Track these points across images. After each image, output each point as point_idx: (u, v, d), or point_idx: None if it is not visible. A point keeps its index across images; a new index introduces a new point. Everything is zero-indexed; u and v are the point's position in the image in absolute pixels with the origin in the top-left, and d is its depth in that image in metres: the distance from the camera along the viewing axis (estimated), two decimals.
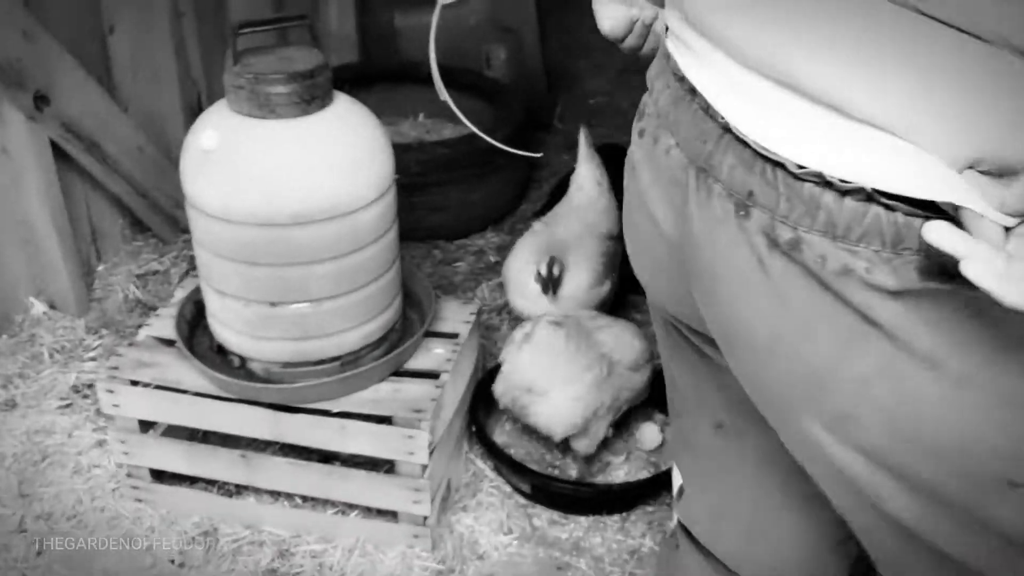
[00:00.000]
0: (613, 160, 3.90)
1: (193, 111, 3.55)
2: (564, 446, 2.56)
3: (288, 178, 2.08)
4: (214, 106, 2.22)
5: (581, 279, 2.84)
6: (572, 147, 3.98)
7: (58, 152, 2.95)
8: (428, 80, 4.33)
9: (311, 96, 2.12)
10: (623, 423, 2.65)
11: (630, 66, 4.94)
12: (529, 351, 2.49)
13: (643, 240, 1.29)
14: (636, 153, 1.30)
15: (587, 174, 3.07)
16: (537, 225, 3.05)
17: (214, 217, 2.13)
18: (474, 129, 3.00)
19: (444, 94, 2.79)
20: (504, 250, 3.54)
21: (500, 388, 2.55)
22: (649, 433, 2.66)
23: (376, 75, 4.13)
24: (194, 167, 2.16)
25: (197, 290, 2.50)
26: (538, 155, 3.24)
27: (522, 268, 2.86)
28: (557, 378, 2.45)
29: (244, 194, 2.08)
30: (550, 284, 2.74)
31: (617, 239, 2.97)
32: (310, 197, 2.10)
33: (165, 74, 3.41)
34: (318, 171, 2.11)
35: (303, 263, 2.17)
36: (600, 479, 2.56)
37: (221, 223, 2.13)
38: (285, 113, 2.10)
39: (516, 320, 3.08)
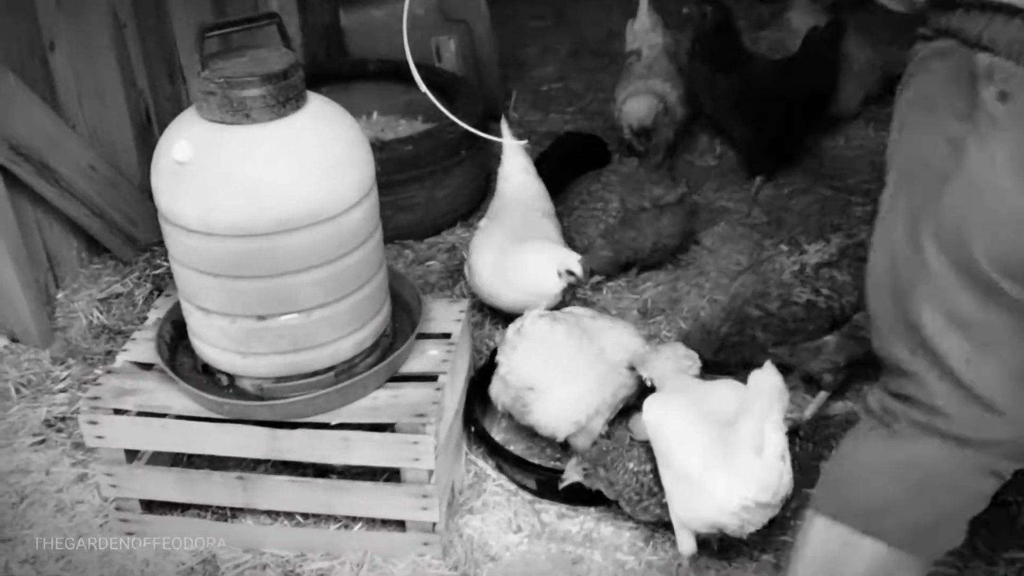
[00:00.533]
0: (577, 146, 3.91)
1: (142, 126, 3.42)
2: (563, 442, 2.51)
3: (270, 184, 1.99)
4: (183, 115, 2.12)
5: (542, 262, 2.84)
6: (527, 136, 3.95)
7: (6, 176, 2.80)
8: (378, 77, 4.28)
9: (286, 97, 2.03)
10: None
11: (580, 48, 4.94)
12: (524, 347, 2.44)
13: (1009, 203, 1.47)
14: (986, 122, 1.46)
15: (513, 164, 3.13)
16: (482, 223, 3.07)
17: (193, 231, 2.03)
18: (466, 126, 2.94)
19: (423, 87, 2.74)
20: None
21: (497, 389, 2.49)
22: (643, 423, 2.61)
23: (324, 76, 4.01)
24: (168, 181, 2.06)
25: (173, 309, 2.40)
26: (524, 141, 3.21)
27: (491, 264, 2.88)
28: (557, 375, 2.40)
29: (225, 205, 1.99)
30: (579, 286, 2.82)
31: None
32: (294, 202, 2.01)
33: (110, 88, 3.27)
34: (301, 175, 2.02)
35: (290, 272, 2.09)
36: None
37: (201, 237, 2.03)
38: (260, 117, 2.01)
39: (498, 314, 3.03)
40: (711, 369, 2.53)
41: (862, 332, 2.64)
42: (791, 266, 2.60)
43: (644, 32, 3.89)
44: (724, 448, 2.04)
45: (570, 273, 2.73)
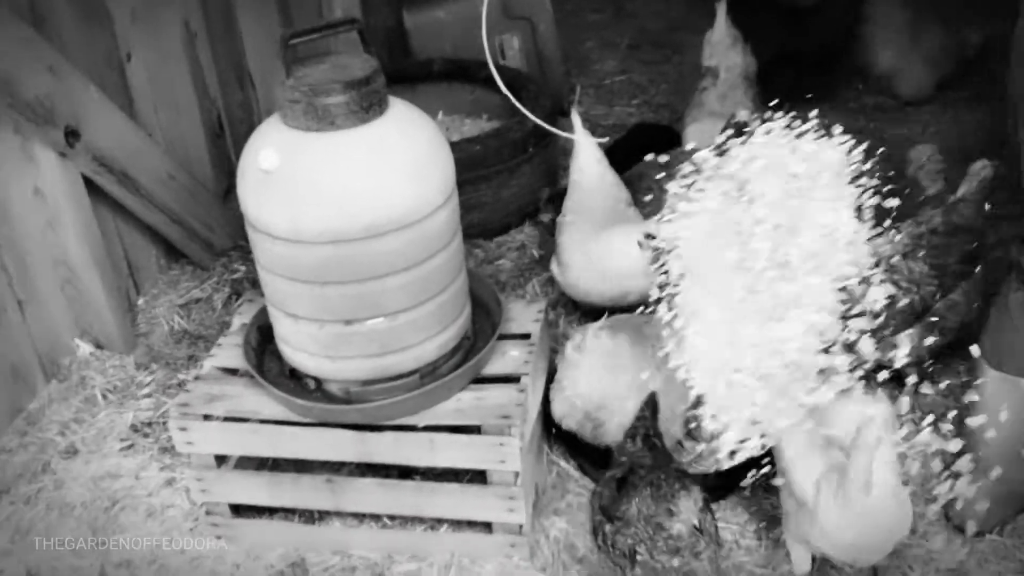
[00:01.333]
0: (649, 138, 3.85)
1: (215, 133, 3.47)
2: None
3: (357, 191, 2.00)
4: (267, 123, 2.14)
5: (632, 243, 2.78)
6: (594, 130, 3.92)
7: (88, 187, 2.86)
8: (443, 78, 4.28)
9: (369, 104, 2.04)
10: None
11: (640, 41, 4.90)
12: (587, 363, 2.41)
13: None
14: None
15: (587, 156, 3.02)
16: (567, 218, 2.96)
17: (282, 239, 2.05)
18: (543, 123, 2.96)
19: (503, 86, 2.74)
20: (546, 243, 3.47)
21: (561, 410, 2.45)
22: None
23: (389, 77, 4.02)
24: (255, 190, 2.07)
25: (259, 315, 2.43)
26: (605, 139, 3.18)
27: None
28: (625, 387, 2.35)
29: (313, 212, 2.00)
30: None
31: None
32: (381, 208, 2.02)
33: (184, 97, 3.32)
34: (387, 180, 2.03)
35: (377, 277, 2.10)
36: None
37: (290, 244, 2.05)
38: (344, 123, 2.02)
39: (572, 313, 3.02)
40: None
41: (944, 322, 2.59)
42: None
43: (723, 49, 3.63)
44: (841, 478, 1.95)
45: (649, 237, 2.62)
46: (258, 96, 3.70)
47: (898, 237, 2.56)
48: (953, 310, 2.60)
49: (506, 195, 3.55)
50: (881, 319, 2.44)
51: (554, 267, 2.96)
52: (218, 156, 3.51)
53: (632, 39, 4.92)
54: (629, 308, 2.66)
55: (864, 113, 4.09)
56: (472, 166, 3.41)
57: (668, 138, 3.84)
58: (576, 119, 3.06)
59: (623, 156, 3.60)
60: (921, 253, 2.54)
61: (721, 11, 3.61)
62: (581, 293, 2.90)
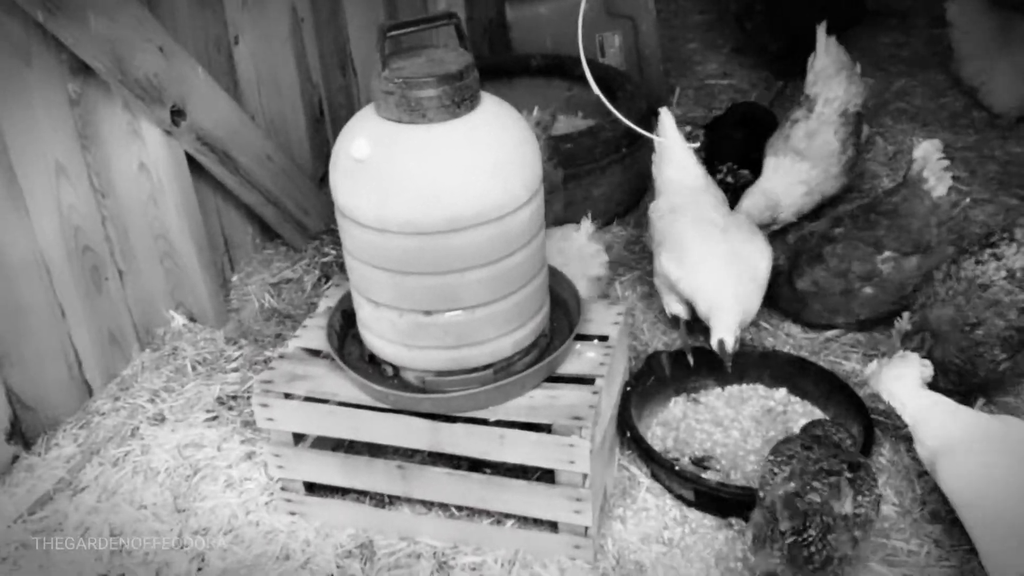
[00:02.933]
0: (745, 117, 3.72)
1: (315, 118, 3.55)
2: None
3: (444, 184, 2.02)
4: (361, 113, 2.18)
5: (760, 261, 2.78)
6: (688, 133, 3.86)
7: (191, 164, 2.96)
8: (541, 73, 4.29)
9: (461, 98, 2.06)
10: None
11: (743, 46, 4.82)
12: None
13: None
14: None
15: (684, 152, 2.98)
16: (669, 215, 2.89)
17: (368, 227, 2.09)
18: (631, 124, 2.93)
19: (595, 86, 2.73)
20: (632, 244, 3.45)
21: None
22: None
23: (488, 70, 4.04)
24: (346, 177, 2.12)
25: (344, 299, 2.48)
26: (696, 144, 3.13)
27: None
28: None
29: (400, 203, 2.03)
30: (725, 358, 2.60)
31: None
32: (466, 202, 2.04)
33: (287, 82, 3.41)
34: (473, 175, 2.04)
35: (457, 270, 2.12)
36: None
37: (375, 233, 2.08)
38: (436, 117, 2.05)
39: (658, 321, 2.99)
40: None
41: None
42: (995, 272, 2.46)
43: (824, 77, 3.32)
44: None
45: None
46: (359, 83, 3.77)
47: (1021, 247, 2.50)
48: None
49: (596, 194, 3.53)
50: None
51: (666, 260, 2.77)
52: (317, 141, 3.59)
53: (735, 42, 4.83)
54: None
55: (975, 128, 3.95)
56: (563, 164, 3.41)
57: (767, 118, 3.74)
58: (666, 118, 3.00)
59: (725, 130, 3.58)
60: None
61: (821, 33, 3.34)
62: (686, 288, 2.73)
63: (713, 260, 2.70)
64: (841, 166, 3.29)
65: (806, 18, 3.49)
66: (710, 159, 3.47)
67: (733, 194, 3.32)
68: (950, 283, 2.52)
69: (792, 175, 3.24)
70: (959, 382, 2.52)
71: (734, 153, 3.46)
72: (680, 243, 2.78)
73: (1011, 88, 3.84)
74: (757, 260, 2.74)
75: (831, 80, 3.29)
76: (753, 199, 3.21)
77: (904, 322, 2.57)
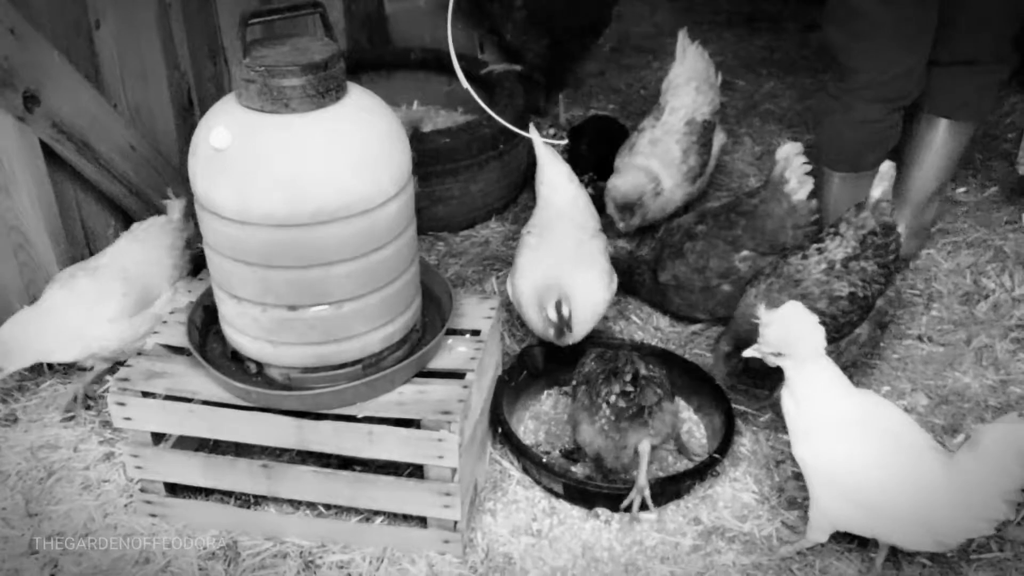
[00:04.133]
0: (601, 131, 3.78)
1: (184, 107, 3.43)
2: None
3: (308, 176, 1.98)
4: (222, 101, 2.11)
5: (596, 291, 2.69)
6: (563, 131, 3.91)
7: (47, 153, 2.82)
8: (420, 67, 4.26)
9: (326, 88, 2.02)
10: None
11: (623, 44, 4.89)
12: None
13: None
14: None
15: (556, 171, 2.91)
16: (530, 239, 2.81)
17: (229, 219, 2.03)
18: (504, 122, 2.93)
19: (465, 82, 2.72)
20: (510, 240, 3.46)
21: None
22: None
23: (366, 63, 4.02)
24: (205, 167, 2.05)
25: (206, 294, 2.40)
26: (564, 141, 3.15)
27: (531, 306, 2.66)
28: None
29: (262, 194, 1.98)
30: (563, 326, 2.57)
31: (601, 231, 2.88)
32: (331, 194, 2.00)
33: (153, 70, 3.27)
34: (339, 167, 2.01)
35: (323, 264, 2.08)
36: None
37: (237, 225, 2.03)
38: (300, 107, 2.00)
39: None
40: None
41: (886, 318, 2.64)
42: (815, 266, 2.55)
43: (675, 85, 3.33)
44: None
45: (551, 320, 2.58)
46: (231, 72, 3.66)
47: (844, 241, 2.58)
48: (892, 303, 2.66)
49: (474, 190, 3.53)
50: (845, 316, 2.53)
51: (508, 287, 2.79)
52: (186, 130, 3.45)
53: (615, 42, 4.91)
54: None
55: None
56: (441, 159, 3.40)
57: (623, 134, 3.76)
58: (534, 133, 2.97)
59: (577, 147, 3.61)
60: (869, 252, 2.57)
61: (683, 38, 3.36)
62: (529, 322, 2.72)
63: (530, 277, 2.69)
64: (682, 175, 3.26)
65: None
66: (577, 164, 3.48)
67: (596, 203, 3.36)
68: (770, 280, 2.58)
69: (640, 187, 3.20)
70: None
71: (592, 164, 3.45)
72: (517, 265, 2.76)
73: None
74: (581, 290, 2.65)
75: (679, 89, 3.31)
76: (633, 173, 3.19)
77: (722, 345, 2.60)
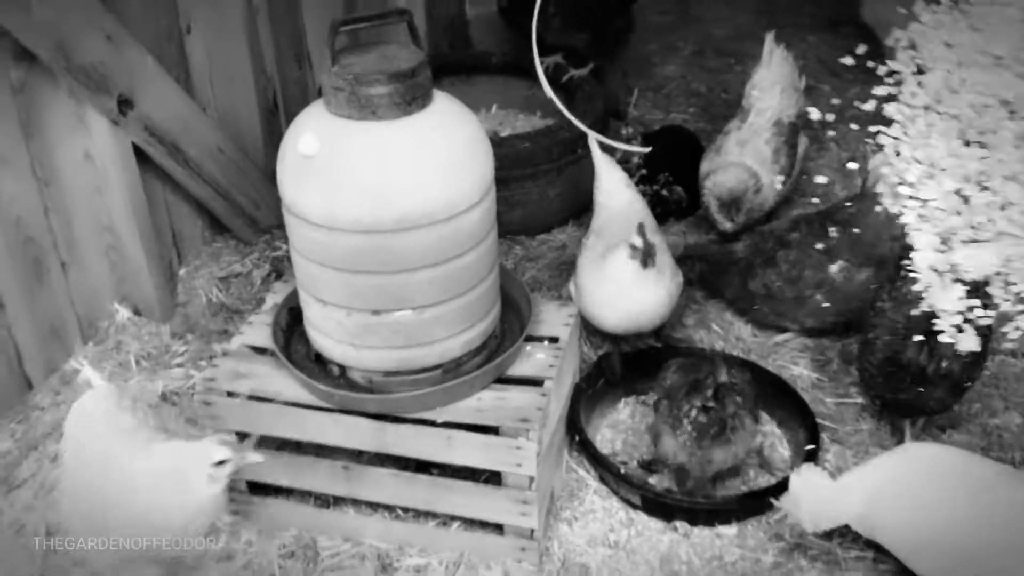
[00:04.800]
0: (674, 141, 3.71)
1: (269, 110, 3.50)
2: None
3: (394, 183, 2.00)
4: (310, 108, 2.14)
5: (661, 282, 2.67)
6: (637, 136, 3.86)
7: (138, 156, 2.90)
8: (500, 71, 4.26)
9: (412, 96, 2.03)
10: None
11: (704, 47, 4.83)
12: None
13: None
14: None
15: (614, 179, 2.93)
16: (588, 240, 2.84)
17: (316, 225, 2.06)
18: (583, 127, 2.90)
19: (549, 91, 2.71)
20: None
21: None
22: None
23: (447, 67, 4.03)
24: (294, 173, 2.08)
25: (291, 296, 2.44)
26: (647, 149, 3.12)
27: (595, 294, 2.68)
28: None
29: (348, 201, 2.00)
30: (648, 255, 2.57)
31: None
32: (415, 202, 2.01)
33: (240, 73, 3.35)
34: (423, 175, 2.02)
35: (406, 270, 2.09)
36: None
37: (323, 231, 2.05)
38: (386, 115, 2.02)
39: None
40: None
41: None
42: None
43: (760, 88, 3.32)
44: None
45: (632, 248, 2.57)
46: (315, 76, 3.72)
47: None
48: None
49: (552, 194, 3.52)
50: None
51: (571, 287, 2.81)
52: (271, 133, 3.53)
53: (696, 44, 4.85)
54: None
55: None
56: (520, 163, 3.40)
57: (694, 142, 3.71)
58: (593, 144, 2.96)
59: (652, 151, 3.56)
60: None
61: (769, 42, 3.33)
62: (592, 319, 2.73)
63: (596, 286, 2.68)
64: (774, 174, 3.22)
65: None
66: (650, 171, 3.46)
67: (665, 207, 3.32)
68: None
69: (734, 185, 3.17)
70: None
71: (668, 169, 3.44)
72: (578, 271, 2.78)
73: None
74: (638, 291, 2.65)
75: (765, 92, 3.28)
76: (732, 173, 3.13)
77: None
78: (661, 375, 2.48)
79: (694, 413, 2.30)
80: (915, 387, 2.37)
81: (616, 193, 2.91)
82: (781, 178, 3.23)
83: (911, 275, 2.26)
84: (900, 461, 2.17)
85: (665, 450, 2.34)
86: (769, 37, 3.34)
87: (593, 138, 2.96)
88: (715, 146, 3.30)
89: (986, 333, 2.46)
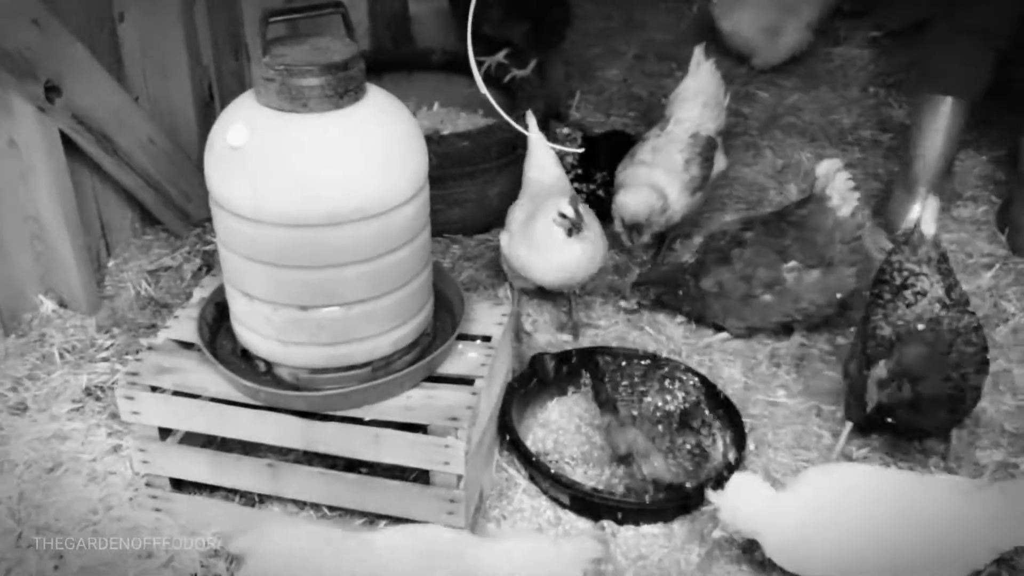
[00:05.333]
0: (615, 146, 3.72)
1: (204, 102, 3.44)
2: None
3: (324, 177, 1.98)
4: (240, 99, 2.11)
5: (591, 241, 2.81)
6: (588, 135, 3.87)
7: (66, 144, 2.83)
8: (442, 68, 4.24)
9: (345, 89, 2.01)
10: None
11: (646, 52, 4.87)
12: None
13: None
14: None
15: (543, 155, 3.05)
16: (522, 204, 2.98)
17: (243, 218, 2.02)
18: (517, 126, 2.90)
19: (483, 88, 2.70)
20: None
21: None
22: None
23: (389, 63, 4.00)
24: (221, 165, 2.05)
25: (218, 291, 2.40)
26: (581, 150, 3.15)
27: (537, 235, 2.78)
28: None
29: (276, 194, 1.97)
30: (578, 221, 2.67)
31: None
32: (345, 196, 1.99)
33: (175, 63, 3.28)
34: (354, 169, 2.00)
35: (335, 265, 2.07)
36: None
37: (251, 224, 2.02)
38: (318, 107, 1.99)
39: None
40: None
41: None
42: (929, 306, 2.47)
43: (682, 99, 3.33)
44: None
45: (562, 216, 2.68)
46: (252, 68, 3.67)
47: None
48: None
49: (491, 194, 3.52)
50: None
51: (503, 239, 2.94)
52: (206, 125, 3.45)
53: (638, 49, 4.88)
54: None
55: (860, 146, 4.07)
56: (459, 162, 3.39)
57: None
58: (531, 119, 3.06)
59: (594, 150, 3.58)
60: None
61: (697, 53, 3.35)
62: (518, 269, 2.88)
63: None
64: (683, 184, 3.19)
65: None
66: (586, 169, 3.49)
67: (600, 207, 3.30)
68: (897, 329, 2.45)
69: (648, 178, 3.18)
70: (950, 416, 2.46)
71: (607, 169, 3.44)
72: (522, 226, 2.87)
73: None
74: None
75: (687, 103, 3.30)
76: (640, 192, 3.12)
77: (879, 370, 2.38)
78: (631, 382, 2.54)
79: (690, 445, 2.40)
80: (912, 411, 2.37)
81: (549, 168, 3.03)
82: (688, 198, 3.21)
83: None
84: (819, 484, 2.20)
85: (654, 471, 2.38)
86: (699, 49, 3.36)
87: (530, 115, 3.05)
88: (631, 152, 3.30)
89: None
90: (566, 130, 3.89)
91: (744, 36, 4.63)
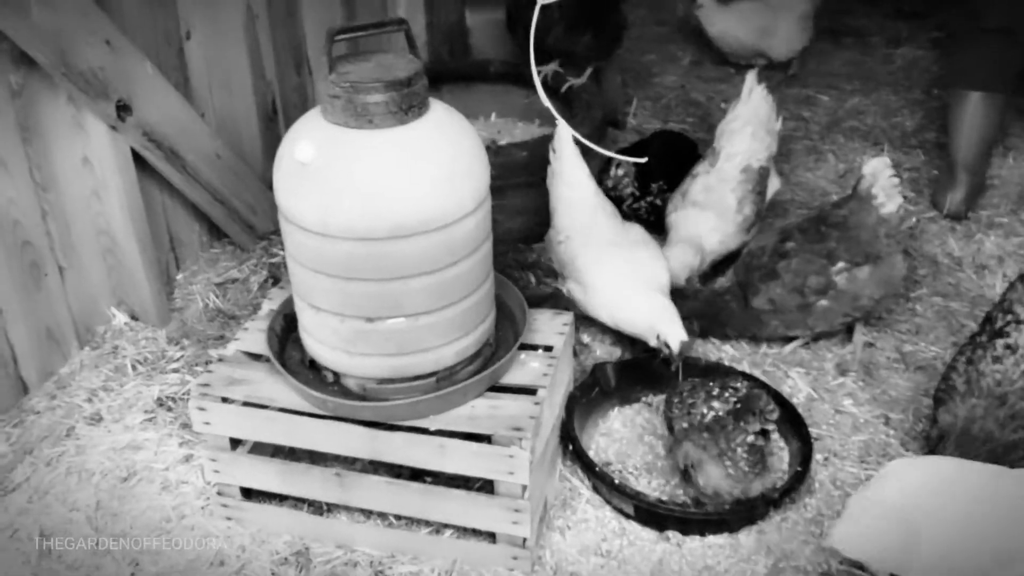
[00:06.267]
0: (668, 147, 3.68)
1: (268, 116, 3.51)
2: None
3: (388, 191, 2.00)
4: (307, 115, 2.15)
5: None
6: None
7: (137, 161, 2.91)
8: (499, 79, 4.27)
9: (409, 105, 2.04)
10: None
11: (703, 58, 4.85)
12: None
13: None
14: None
15: (575, 170, 2.88)
16: (565, 235, 2.88)
17: (311, 232, 2.06)
18: (579, 136, 2.90)
19: (545, 99, 2.72)
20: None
21: None
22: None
23: (446, 75, 4.04)
24: (289, 180, 2.09)
25: (286, 303, 2.45)
26: (643, 160, 3.14)
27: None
28: None
29: (342, 208, 2.01)
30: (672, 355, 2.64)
31: None
32: (410, 210, 2.02)
33: (239, 79, 3.36)
34: (418, 183, 2.03)
35: (400, 277, 2.10)
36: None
37: (318, 238, 2.06)
38: (382, 123, 2.03)
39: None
40: None
41: None
42: (1012, 368, 2.28)
43: (731, 130, 3.22)
44: None
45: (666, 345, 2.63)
46: (314, 82, 3.73)
47: None
48: None
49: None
50: None
51: (573, 289, 2.82)
52: (269, 140, 3.55)
53: (694, 55, 4.87)
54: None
55: (923, 149, 4.00)
56: (518, 171, 3.40)
57: (687, 148, 3.72)
58: (567, 134, 2.87)
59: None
60: None
61: (750, 80, 3.24)
62: (606, 318, 2.77)
63: (616, 283, 2.73)
64: (736, 225, 3.15)
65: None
66: (643, 183, 3.47)
67: (660, 217, 3.30)
68: (971, 385, 2.30)
69: (698, 226, 3.14)
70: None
71: (663, 177, 3.42)
72: (582, 272, 2.79)
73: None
74: (656, 268, 2.78)
75: (735, 135, 3.19)
76: (679, 251, 3.09)
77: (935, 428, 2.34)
78: (681, 394, 2.47)
79: (746, 447, 2.32)
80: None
81: (582, 186, 2.89)
82: (743, 236, 3.18)
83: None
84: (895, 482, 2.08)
85: (709, 480, 2.32)
86: (751, 74, 3.27)
87: (569, 132, 2.87)
88: (682, 189, 3.24)
89: None
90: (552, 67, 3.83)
91: (734, 38, 4.61)
